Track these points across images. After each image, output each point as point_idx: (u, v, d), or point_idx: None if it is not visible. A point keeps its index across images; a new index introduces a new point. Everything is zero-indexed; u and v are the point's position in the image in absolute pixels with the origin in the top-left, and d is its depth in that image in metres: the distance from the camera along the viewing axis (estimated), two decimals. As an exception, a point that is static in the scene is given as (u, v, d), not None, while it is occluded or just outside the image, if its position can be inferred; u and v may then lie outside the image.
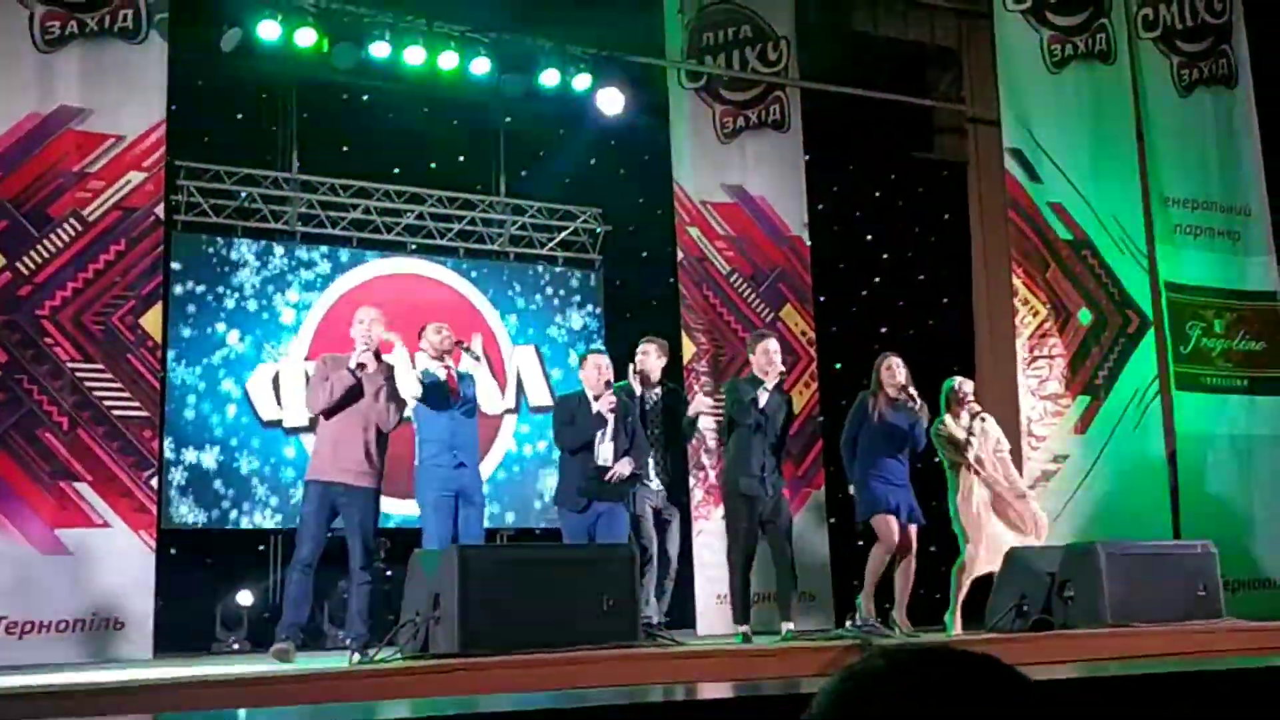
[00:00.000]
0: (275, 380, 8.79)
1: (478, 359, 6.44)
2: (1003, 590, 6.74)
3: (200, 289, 8.73)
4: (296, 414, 8.52)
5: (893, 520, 6.73)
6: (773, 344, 6.71)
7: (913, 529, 6.86)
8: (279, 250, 9.04)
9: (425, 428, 6.45)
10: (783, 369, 6.69)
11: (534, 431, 9.59)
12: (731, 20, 9.25)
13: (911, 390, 6.80)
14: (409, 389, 6.28)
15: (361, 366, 5.99)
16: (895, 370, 6.89)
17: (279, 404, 8.78)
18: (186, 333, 8.62)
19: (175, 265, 8.53)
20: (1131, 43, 9.14)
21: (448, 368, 6.48)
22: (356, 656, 5.70)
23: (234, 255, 8.87)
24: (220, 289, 8.77)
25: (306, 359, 6.05)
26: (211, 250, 8.83)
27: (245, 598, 8.06)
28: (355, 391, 6.00)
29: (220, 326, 8.74)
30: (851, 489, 7.07)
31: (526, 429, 9.61)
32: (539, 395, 9.65)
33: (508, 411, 9.41)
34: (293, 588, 5.88)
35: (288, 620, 5.87)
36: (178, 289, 8.56)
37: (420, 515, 6.48)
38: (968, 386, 7.25)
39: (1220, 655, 6.00)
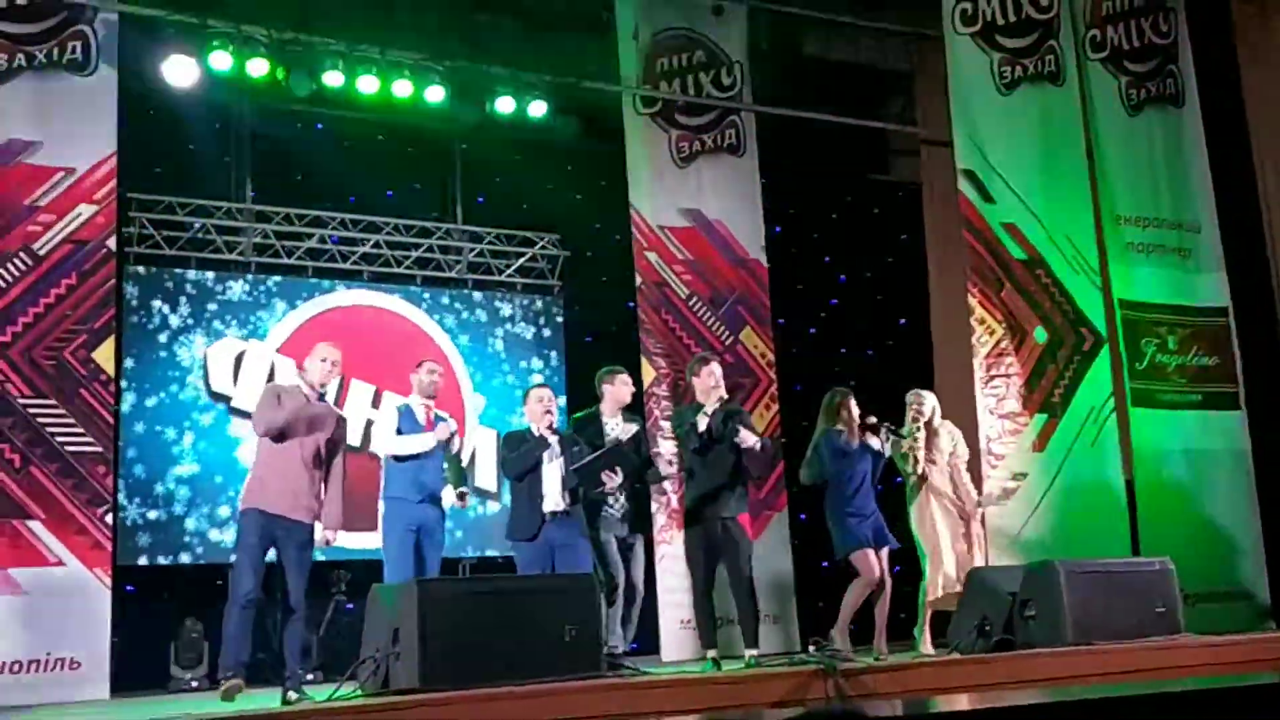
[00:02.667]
0: (239, 359, 8.74)
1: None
2: (965, 610, 6.77)
3: (154, 322, 8.62)
4: (246, 398, 8.43)
5: (871, 555, 6.76)
6: (714, 368, 6.67)
7: (884, 554, 6.90)
8: (233, 282, 8.95)
9: (394, 464, 6.43)
10: (724, 394, 6.60)
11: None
12: (685, 46, 9.29)
13: (870, 421, 6.90)
14: (384, 447, 6.43)
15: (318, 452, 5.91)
16: (853, 408, 6.99)
17: (234, 382, 8.72)
18: (140, 366, 8.50)
19: (128, 298, 8.42)
20: (1080, 64, 9.25)
21: (428, 408, 6.51)
22: (293, 695, 5.62)
23: (188, 287, 8.78)
24: (174, 321, 8.67)
25: (267, 380, 6.00)
26: (165, 282, 8.73)
27: (196, 631, 7.95)
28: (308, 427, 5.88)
29: (174, 359, 8.63)
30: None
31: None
32: (488, 479, 9.54)
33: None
34: (233, 625, 5.61)
35: (232, 659, 5.63)
36: (131, 322, 8.45)
37: (384, 549, 6.43)
38: (913, 397, 7.33)
39: (1180, 671, 6.05)
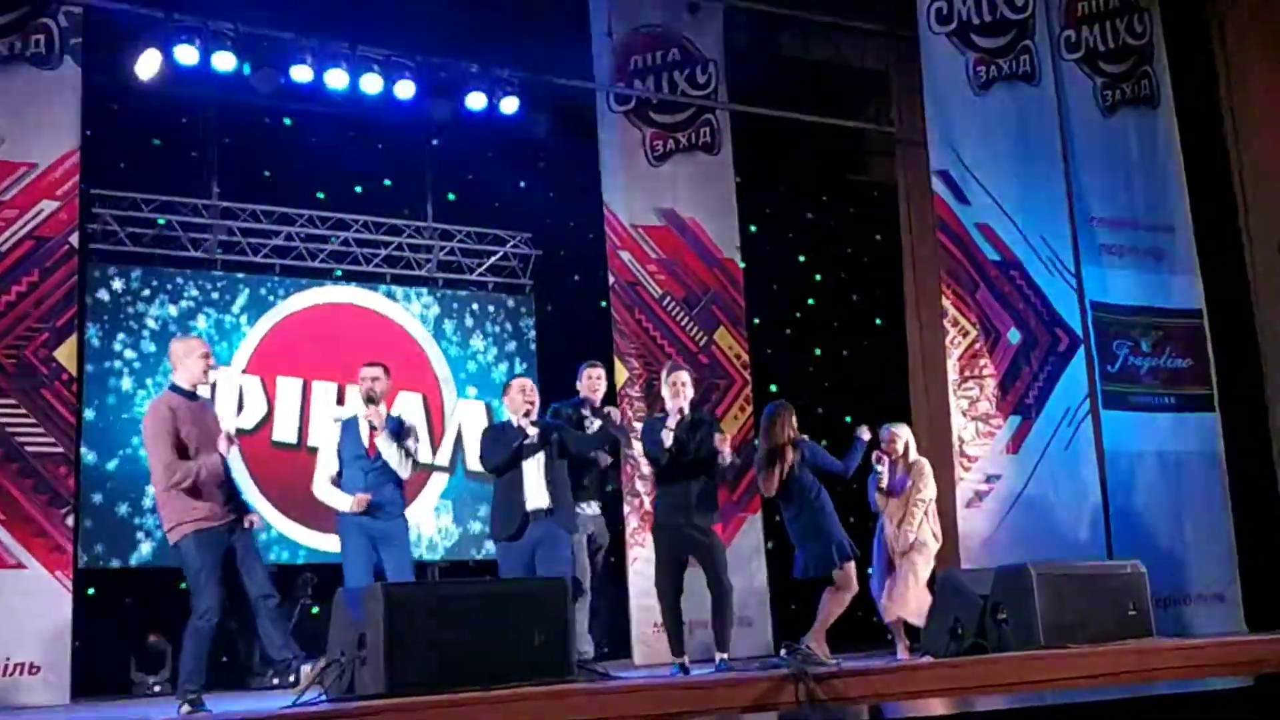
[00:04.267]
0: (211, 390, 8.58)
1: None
2: (936, 614, 6.73)
3: (117, 320, 8.48)
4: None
5: (850, 567, 6.65)
6: (680, 376, 6.58)
7: (850, 565, 6.83)
8: (199, 279, 8.83)
9: (345, 479, 6.32)
10: (683, 404, 6.44)
11: (465, 496, 9.43)
12: (660, 43, 9.22)
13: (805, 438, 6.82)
14: (316, 490, 6.30)
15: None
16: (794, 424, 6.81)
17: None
18: (104, 365, 8.36)
19: (90, 296, 8.28)
20: (1055, 64, 9.23)
21: (372, 424, 6.32)
22: (307, 668, 5.50)
23: (152, 285, 8.65)
24: (138, 320, 8.54)
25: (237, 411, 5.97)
26: (129, 280, 8.59)
27: (158, 635, 7.83)
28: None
29: (139, 358, 8.50)
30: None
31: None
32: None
33: (436, 469, 9.27)
34: (194, 644, 5.40)
35: (194, 678, 5.42)
36: (93, 320, 8.32)
37: (341, 558, 6.33)
38: (887, 434, 7.22)
39: (1153, 674, 6.04)
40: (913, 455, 7.20)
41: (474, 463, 9.20)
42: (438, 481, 9.35)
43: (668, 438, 6.36)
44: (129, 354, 8.49)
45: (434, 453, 9.24)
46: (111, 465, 8.29)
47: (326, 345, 8.90)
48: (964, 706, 4.31)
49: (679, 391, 6.48)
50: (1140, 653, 6.29)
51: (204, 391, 5.94)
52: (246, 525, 5.65)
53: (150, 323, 8.59)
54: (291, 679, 5.55)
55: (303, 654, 5.66)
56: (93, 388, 8.25)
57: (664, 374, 6.70)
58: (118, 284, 8.56)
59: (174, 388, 5.67)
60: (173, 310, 8.68)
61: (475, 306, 9.78)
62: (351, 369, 8.76)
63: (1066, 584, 6.53)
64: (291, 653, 5.62)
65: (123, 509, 8.28)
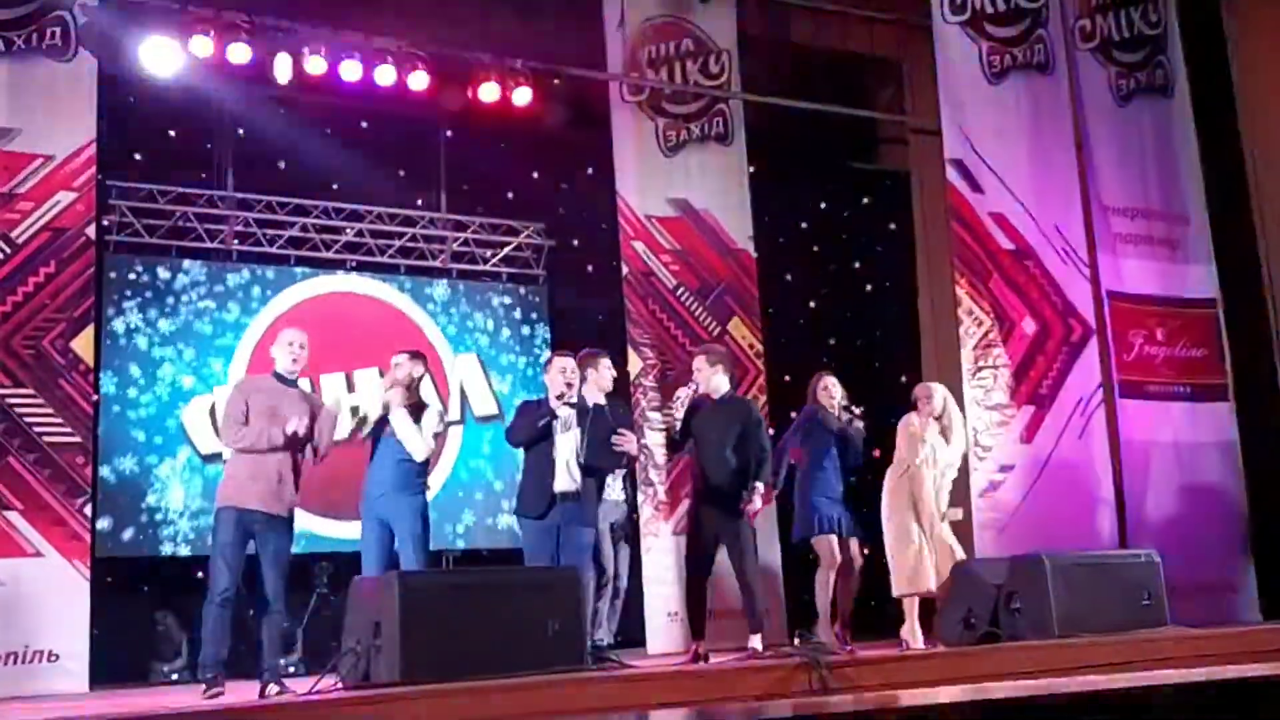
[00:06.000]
0: (212, 411, 8.54)
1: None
2: (951, 603, 6.74)
3: (134, 310, 8.53)
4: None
5: (833, 539, 6.76)
6: (696, 360, 6.73)
7: (854, 543, 6.87)
8: (214, 269, 8.86)
9: (372, 461, 6.35)
10: (690, 388, 6.59)
11: (479, 443, 9.47)
12: (673, 33, 9.21)
13: (852, 408, 6.89)
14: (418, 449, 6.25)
15: (296, 435, 5.78)
16: (832, 390, 7.05)
17: (218, 436, 8.58)
18: (120, 355, 8.41)
19: (108, 286, 8.32)
20: (1069, 53, 9.21)
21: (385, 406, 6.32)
22: (273, 688, 5.56)
23: (168, 275, 8.69)
24: (154, 310, 8.58)
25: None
26: (145, 270, 8.63)
27: (175, 623, 7.88)
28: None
29: (155, 348, 8.55)
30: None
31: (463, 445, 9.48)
32: (484, 405, 9.53)
33: (453, 423, 9.29)
34: (213, 623, 5.56)
35: (212, 658, 5.58)
36: (110, 311, 8.36)
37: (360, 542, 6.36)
38: (921, 390, 7.26)
39: (1166, 664, 6.03)
40: (952, 413, 7.17)
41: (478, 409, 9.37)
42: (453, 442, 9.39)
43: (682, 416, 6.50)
44: (145, 345, 8.52)
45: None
46: (128, 455, 8.33)
47: (333, 335, 8.89)
48: (978, 695, 4.32)
49: (695, 377, 6.66)
50: (1154, 642, 6.28)
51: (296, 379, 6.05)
52: None
53: (166, 313, 8.62)
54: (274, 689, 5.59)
55: (277, 671, 5.72)
56: (109, 378, 8.29)
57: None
58: (134, 275, 8.59)
59: (274, 372, 5.96)
60: (189, 300, 8.70)
61: (489, 296, 9.79)
62: (356, 357, 8.86)
63: (1081, 573, 6.54)
64: (276, 664, 5.72)
65: (141, 498, 8.32)
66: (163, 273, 8.67)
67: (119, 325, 8.45)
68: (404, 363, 6.42)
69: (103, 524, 7.99)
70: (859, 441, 6.99)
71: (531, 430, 6.22)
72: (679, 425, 6.51)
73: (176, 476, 8.45)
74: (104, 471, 8.10)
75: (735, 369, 7.54)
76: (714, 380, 6.62)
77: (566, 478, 6.18)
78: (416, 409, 6.29)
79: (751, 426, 6.53)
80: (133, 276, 8.58)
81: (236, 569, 5.56)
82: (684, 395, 6.52)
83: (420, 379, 6.44)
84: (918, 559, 6.87)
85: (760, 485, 6.43)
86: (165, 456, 8.45)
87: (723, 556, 6.52)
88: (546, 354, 9.61)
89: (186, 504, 8.44)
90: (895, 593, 6.97)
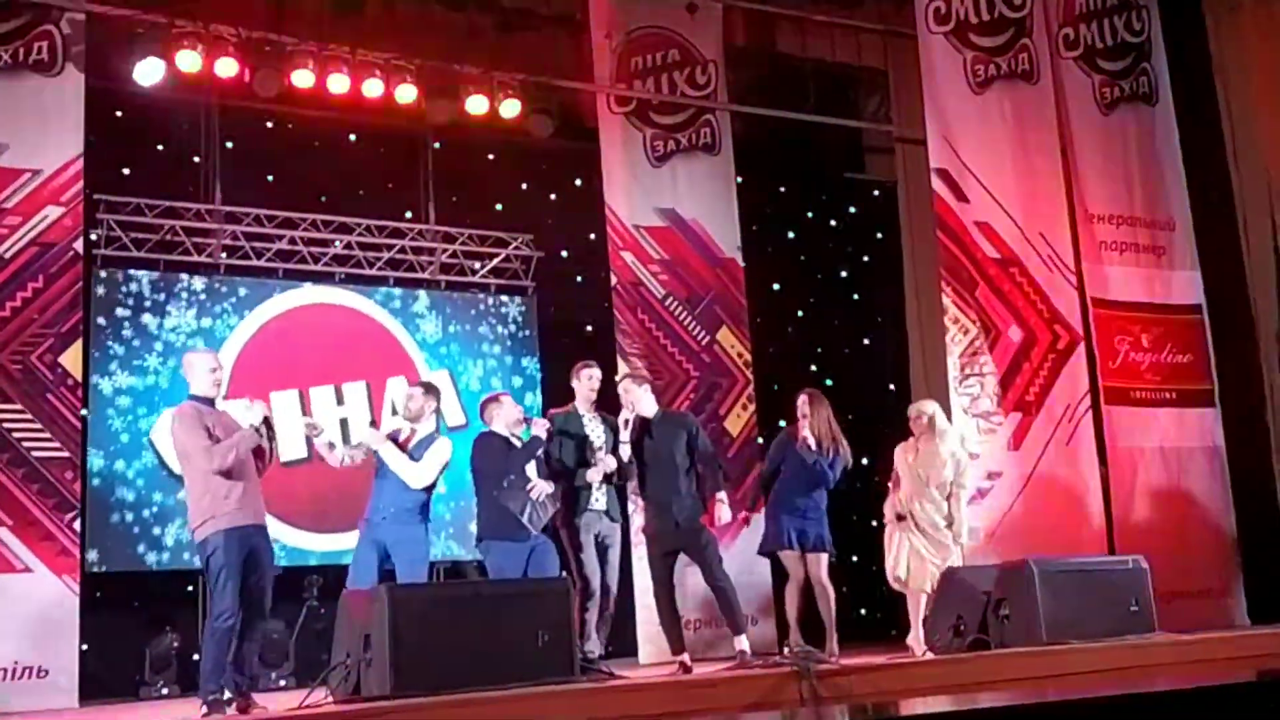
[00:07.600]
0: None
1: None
2: (940, 610, 6.76)
3: (122, 325, 8.50)
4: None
5: (792, 555, 6.86)
6: (623, 384, 6.72)
7: (823, 558, 6.88)
8: (202, 283, 8.83)
9: (376, 483, 6.36)
10: (628, 413, 6.55)
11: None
12: (659, 44, 9.25)
13: (835, 431, 6.92)
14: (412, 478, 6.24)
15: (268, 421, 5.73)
16: (813, 421, 6.95)
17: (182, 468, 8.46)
18: (108, 370, 8.38)
19: (96, 301, 8.30)
20: (1053, 62, 9.26)
21: (413, 430, 6.37)
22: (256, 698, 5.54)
23: (157, 289, 8.67)
24: (142, 324, 8.56)
25: (225, 398, 5.86)
26: (133, 285, 8.61)
27: (167, 638, 7.85)
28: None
29: (143, 363, 8.52)
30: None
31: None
32: (454, 416, 9.46)
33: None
34: (216, 646, 5.40)
35: (214, 680, 5.43)
36: (98, 325, 8.34)
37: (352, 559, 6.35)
38: (913, 410, 7.23)
39: (1155, 670, 6.06)
40: (940, 428, 7.11)
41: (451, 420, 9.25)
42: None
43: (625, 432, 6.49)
44: (134, 359, 8.50)
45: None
46: (118, 469, 8.30)
47: (317, 348, 8.84)
48: (967, 703, 4.35)
49: (623, 398, 6.59)
50: (1142, 648, 6.31)
51: (220, 403, 5.96)
52: None
53: (154, 328, 8.60)
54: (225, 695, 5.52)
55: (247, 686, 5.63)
56: (97, 392, 8.27)
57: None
58: (122, 289, 8.56)
59: (193, 396, 5.68)
60: (177, 315, 8.68)
61: (477, 308, 9.78)
62: (343, 369, 8.83)
63: (1068, 580, 6.55)
64: (242, 678, 5.58)
65: (130, 513, 8.29)
66: (151, 287, 8.64)
67: (107, 340, 8.42)
68: (417, 395, 6.46)
69: (91, 539, 7.92)
70: (831, 477, 6.94)
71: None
72: (630, 452, 6.47)
73: (164, 490, 8.41)
74: (93, 486, 8.05)
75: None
76: (644, 400, 6.60)
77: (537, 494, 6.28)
78: (427, 440, 6.32)
79: (694, 435, 6.57)
80: (121, 291, 8.55)
81: (236, 588, 5.46)
82: (630, 419, 6.50)
83: (435, 411, 6.53)
84: (920, 567, 6.94)
85: (723, 495, 6.49)
86: (153, 471, 8.39)
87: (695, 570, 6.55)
88: (530, 366, 9.65)
89: (176, 519, 8.40)
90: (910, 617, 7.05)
